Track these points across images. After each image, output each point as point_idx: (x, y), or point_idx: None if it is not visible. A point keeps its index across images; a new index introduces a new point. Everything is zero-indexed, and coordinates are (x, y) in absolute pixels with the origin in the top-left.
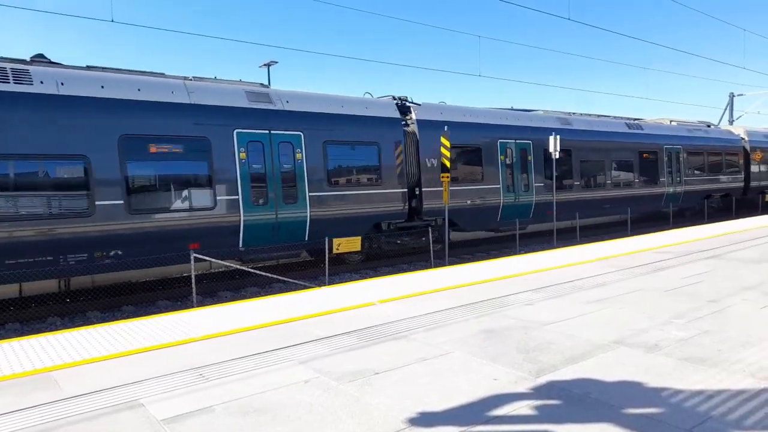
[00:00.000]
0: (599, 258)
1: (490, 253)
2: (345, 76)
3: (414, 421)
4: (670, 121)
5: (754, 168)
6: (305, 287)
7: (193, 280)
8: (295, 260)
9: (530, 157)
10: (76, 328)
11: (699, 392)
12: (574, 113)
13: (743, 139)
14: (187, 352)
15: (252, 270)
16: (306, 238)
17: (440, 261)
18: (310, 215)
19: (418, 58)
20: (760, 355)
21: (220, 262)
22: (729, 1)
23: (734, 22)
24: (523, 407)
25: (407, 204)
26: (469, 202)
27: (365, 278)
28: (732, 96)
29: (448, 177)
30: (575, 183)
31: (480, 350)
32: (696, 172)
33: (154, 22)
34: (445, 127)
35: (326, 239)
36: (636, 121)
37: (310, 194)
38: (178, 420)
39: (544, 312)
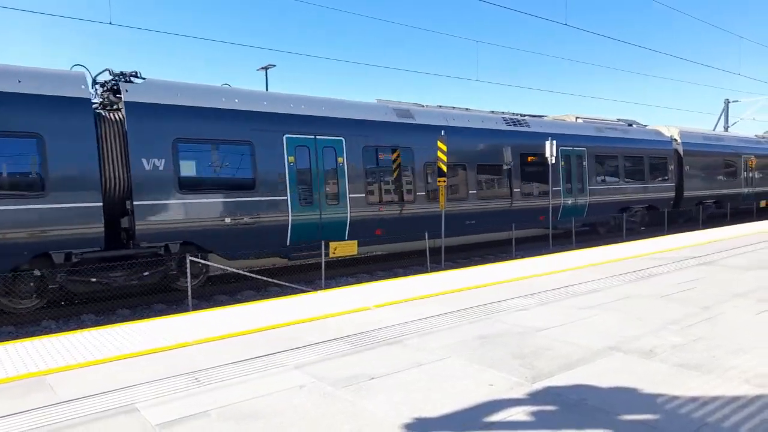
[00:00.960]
0: (594, 263)
1: (486, 257)
2: (344, 80)
3: (409, 427)
4: (576, 118)
5: (689, 175)
6: (301, 291)
7: (189, 284)
8: (295, 263)
9: (342, 160)
10: (70, 332)
11: (694, 399)
12: (427, 105)
13: (675, 140)
14: (182, 356)
15: (248, 274)
16: None
17: (436, 265)
18: None
19: (416, 62)
20: (755, 362)
21: (215, 265)
22: (725, 8)
23: (730, 28)
24: (518, 413)
25: (108, 224)
26: (229, 219)
27: (361, 282)
28: (727, 102)
29: (444, 181)
30: (419, 194)
31: (475, 356)
32: (608, 179)
33: (152, 25)
34: (442, 131)
35: (322, 243)
36: (523, 117)
37: None
38: (173, 425)
39: (539, 317)
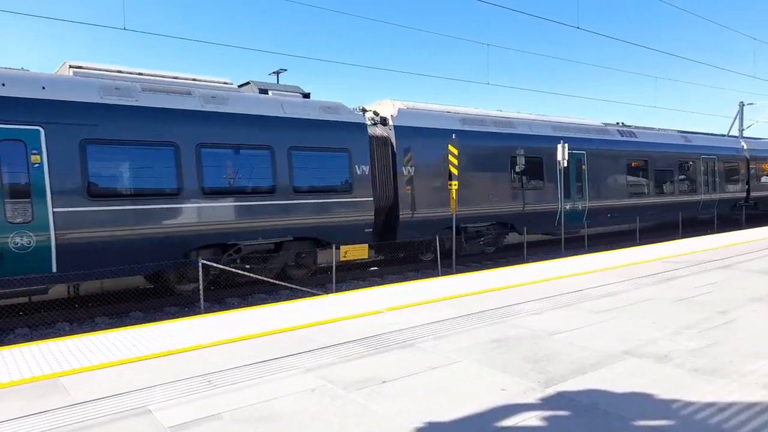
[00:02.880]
0: (607, 267)
1: (498, 261)
2: (354, 84)
3: (421, 431)
4: (71, 68)
5: (419, 181)
6: (312, 294)
7: (201, 287)
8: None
9: None
10: (84, 334)
11: (710, 404)
12: None
13: (382, 123)
14: (194, 359)
15: (259, 277)
16: None
17: (447, 269)
18: None
19: (427, 66)
20: None
21: (228, 268)
22: (739, 11)
23: (744, 31)
24: (531, 418)
25: None
26: None
27: (372, 286)
28: (742, 105)
29: (455, 185)
30: None
31: (488, 360)
32: (146, 193)
33: (165, 30)
34: (453, 135)
35: (333, 246)
36: None
37: None
38: (186, 427)
39: (552, 321)
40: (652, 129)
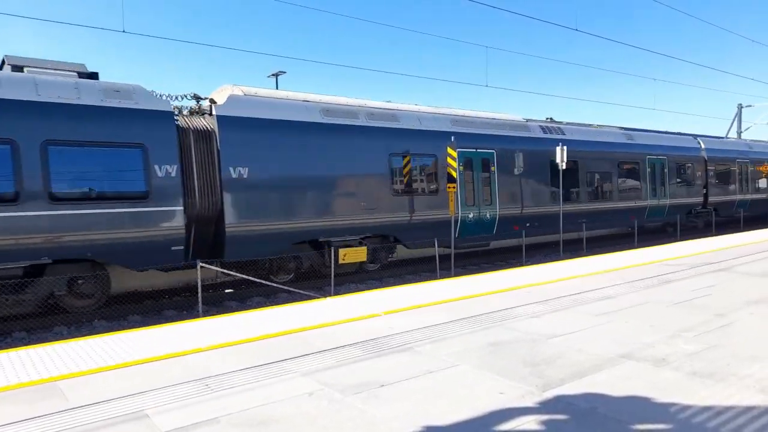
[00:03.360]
0: (606, 270)
1: (496, 264)
2: (353, 87)
3: None
4: None
5: (240, 188)
6: (310, 298)
7: (199, 290)
8: (302, 270)
9: None
10: (82, 338)
11: (708, 408)
12: None
13: (205, 111)
14: (192, 363)
15: (257, 280)
16: None
17: (446, 272)
18: None
19: (426, 68)
20: None
21: (226, 272)
22: (737, 13)
23: (743, 33)
24: (529, 422)
25: None
26: None
27: (370, 289)
28: (740, 107)
29: (454, 187)
30: None
31: (486, 363)
32: None
33: (164, 33)
34: (452, 137)
35: (332, 249)
36: None
37: None
38: (183, 431)
39: (550, 325)
40: (588, 126)
